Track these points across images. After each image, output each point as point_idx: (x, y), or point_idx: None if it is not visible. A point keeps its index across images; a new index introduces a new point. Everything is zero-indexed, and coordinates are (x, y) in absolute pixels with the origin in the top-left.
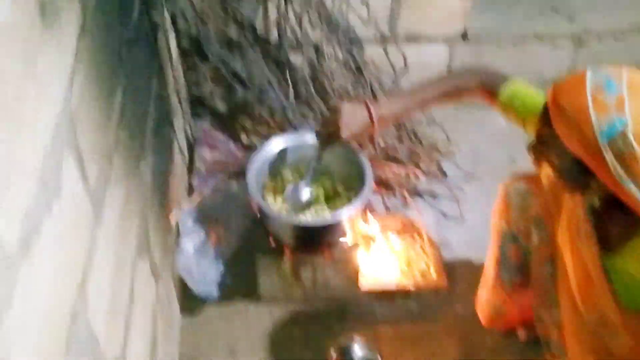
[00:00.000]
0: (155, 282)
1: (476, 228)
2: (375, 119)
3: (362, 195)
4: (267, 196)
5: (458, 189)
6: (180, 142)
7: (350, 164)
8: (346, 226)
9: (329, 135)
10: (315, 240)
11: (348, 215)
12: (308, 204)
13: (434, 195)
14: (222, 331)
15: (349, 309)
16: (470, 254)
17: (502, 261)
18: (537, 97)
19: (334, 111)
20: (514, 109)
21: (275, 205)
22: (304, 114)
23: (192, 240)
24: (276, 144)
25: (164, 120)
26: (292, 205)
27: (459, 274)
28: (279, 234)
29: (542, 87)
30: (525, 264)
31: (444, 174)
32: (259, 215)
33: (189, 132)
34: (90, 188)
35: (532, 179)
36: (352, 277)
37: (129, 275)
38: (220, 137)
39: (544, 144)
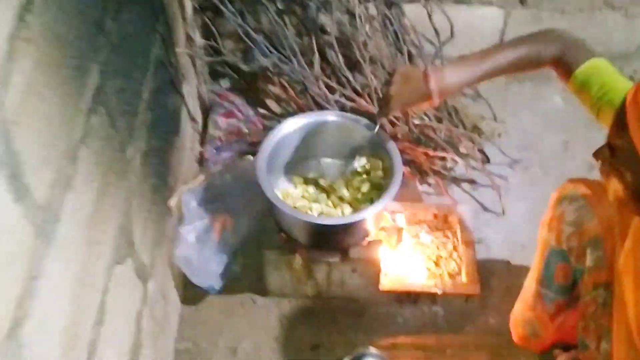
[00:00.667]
0: (142, 283)
1: (518, 225)
2: (434, 91)
3: (390, 192)
4: (280, 185)
5: (501, 178)
6: (191, 108)
7: (377, 152)
8: (369, 226)
9: (381, 107)
10: (332, 240)
11: (372, 215)
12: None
13: (472, 184)
14: (225, 326)
15: (366, 311)
16: (509, 256)
17: (545, 279)
18: (620, 85)
19: (389, 79)
20: (589, 93)
21: (292, 195)
22: (330, 87)
23: (194, 227)
24: (293, 124)
25: (167, 88)
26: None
27: (495, 280)
28: (291, 230)
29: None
30: (572, 285)
31: (486, 159)
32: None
33: (204, 95)
34: (34, 204)
35: (595, 188)
36: (372, 275)
37: (98, 290)
38: (238, 101)
39: (617, 155)
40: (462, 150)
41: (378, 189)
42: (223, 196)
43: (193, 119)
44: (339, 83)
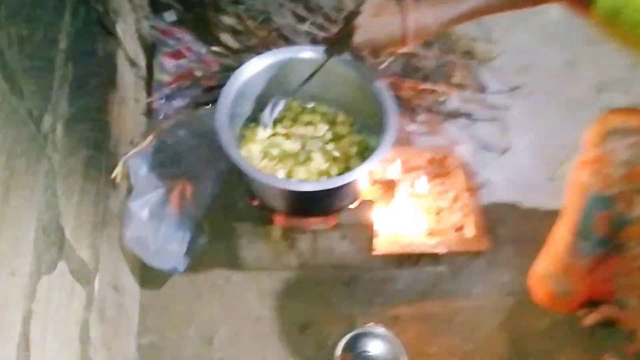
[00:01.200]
0: (84, 285)
1: (524, 163)
2: (410, 31)
3: (382, 147)
4: (249, 143)
5: (501, 109)
6: (130, 51)
7: (364, 96)
8: (359, 186)
9: (339, 39)
10: (317, 206)
11: (362, 175)
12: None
13: (468, 119)
14: (195, 312)
15: (360, 279)
16: (516, 200)
17: (583, 230)
18: None
19: (353, 12)
20: (620, 24)
21: (262, 157)
22: (298, 15)
23: (146, 200)
24: (259, 64)
25: (95, 30)
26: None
27: (503, 229)
28: (265, 196)
29: None
30: (614, 236)
31: (483, 88)
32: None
33: (145, 32)
34: None
35: None
36: (365, 240)
37: (15, 318)
38: (187, 37)
39: None
40: (455, 79)
41: (365, 142)
42: (179, 157)
43: (133, 63)
44: (308, 9)
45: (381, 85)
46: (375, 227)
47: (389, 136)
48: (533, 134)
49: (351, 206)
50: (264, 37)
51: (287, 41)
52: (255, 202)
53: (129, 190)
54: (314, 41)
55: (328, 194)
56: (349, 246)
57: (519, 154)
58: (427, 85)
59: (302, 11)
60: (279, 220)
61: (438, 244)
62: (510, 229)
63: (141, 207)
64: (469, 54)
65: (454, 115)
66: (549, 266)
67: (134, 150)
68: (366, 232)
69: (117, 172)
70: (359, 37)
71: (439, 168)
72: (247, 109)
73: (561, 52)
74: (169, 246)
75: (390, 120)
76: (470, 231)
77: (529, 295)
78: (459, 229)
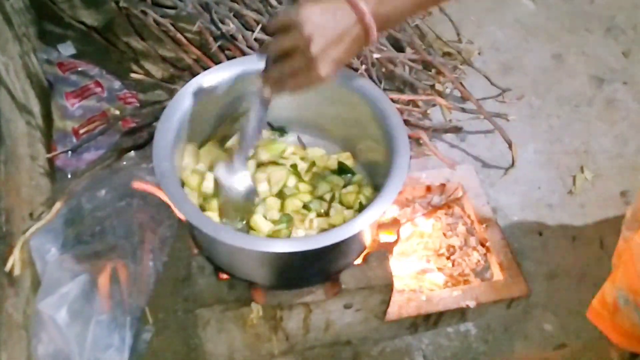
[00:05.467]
0: None
1: (537, 175)
2: (370, 20)
3: (394, 183)
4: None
5: (495, 116)
6: (17, 92)
7: (356, 116)
8: (364, 239)
9: (290, 77)
10: (310, 270)
11: (368, 224)
12: (251, 199)
13: (461, 132)
14: None
15: (366, 356)
16: (537, 223)
17: None
18: None
19: (295, 27)
20: None
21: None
22: (242, 17)
23: (61, 296)
24: (204, 85)
25: None
26: (229, 205)
27: (530, 264)
28: (236, 266)
29: None
30: None
31: (469, 94)
32: (190, 232)
33: (37, 69)
34: None
35: None
36: (375, 303)
37: None
38: (95, 71)
39: None
40: (439, 87)
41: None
42: (102, 227)
43: (24, 109)
44: (255, 10)
45: (384, 98)
46: (392, 284)
47: (403, 163)
48: (537, 142)
49: (356, 263)
50: (197, 57)
51: (228, 57)
52: (223, 275)
53: (36, 285)
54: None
55: (327, 252)
56: (353, 316)
57: (527, 168)
58: (412, 96)
59: (248, 12)
60: (259, 297)
61: (462, 297)
62: (538, 261)
63: (56, 307)
64: (449, 55)
65: (442, 130)
66: (627, 292)
67: (36, 226)
68: (379, 295)
69: (14, 260)
70: (325, 67)
71: (440, 196)
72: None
73: (545, 46)
74: (104, 357)
75: (400, 143)
76: (496, 273)
77: (583, 343)
78: (482, 271)
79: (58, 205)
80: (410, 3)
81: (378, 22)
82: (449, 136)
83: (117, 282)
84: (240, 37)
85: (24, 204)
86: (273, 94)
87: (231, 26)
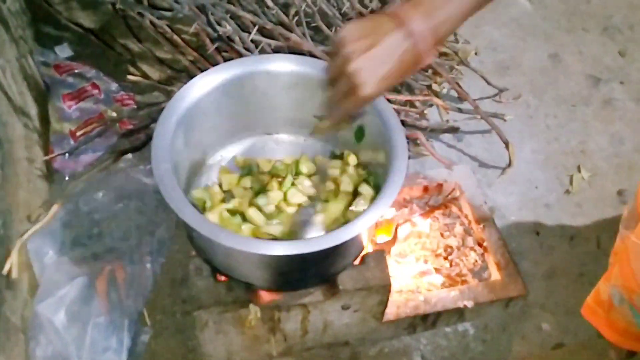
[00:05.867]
0: None
1: (535, 175)
2: (424, 43)
3: (393, 183)
4: (202, 195)
5: (492, 117)
6: (14, 95)
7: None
8: (364, 239)
9: (339, 102)
10: (309, 272)
11: (371, 223)
12: None
13: (458, 132)
14: None
15: (365, 356)
16: (535, 222)
17: None
18: None
19: (336, 50)
20: None
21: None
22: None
23: (59, 298)
24: (207, 84)
25: None
26: None
27: (528, 263)
28: (235, 268)
29: None
30: None
31: (466, 94)
32: (188, 234)
33: (34, 71)
34: None
35: None
36: (374, 304)
37: None
38: (92, 73)
39: None
40: (435, 87)
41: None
42: (100, 229)
43: (21, 112)
44: (251, 12)
45: (383, 102)
46: (390, 285)
47: (401, 165)
48: (534, 142)
49: (354, 264)
50: (195, 58)
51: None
52: (221, 277)
53: (33, 287)
54: (264, 53)
55: (326, 254)
56: (351, 317)
57: (524, 168)
58: (409, 97)
59: (244, 14)
60: (257, 299)
61: (460, 297)
62: (536, 261)
63: (54, 310)
64: (445, 55)
65: (439, 130)
66: (622, 290)
67: (34, 229)
68: (377, 295)
69: (12, 263)
70: (367, 86)
71: (437, 197)
72: (195, 146)
73: (541, 45)
74: (101, 359)
75: (398, 145)
76: (494, 273)
77: (580, 343)
78: (480, 271)
79: (56, 207)
80: (460, 11)
81: (430, 36)
82: (446, 136)
83: (115, 284)
84: (237, 38)
85: (21, 207)
86: (330, 122)
87: (228, 28)
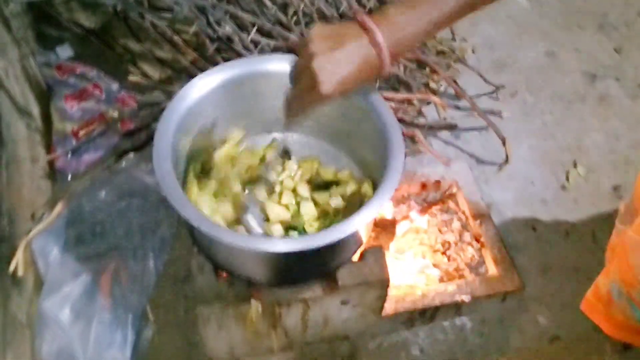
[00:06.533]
0: None
1: (529, 172)
2: (387, 51)
3: (390, 179)
4: (201, 193)
5: (489, 114)
6: (17, 95)
7: (352, 113)
8: (362, 235)
9: (298, 98)
10: (309, 268)
11: (364, 223)
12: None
13: (456, 129)
14: None
15: (364, 350)
16: (531, 218)
17: None
18: None
19: (303, 47)
20: None
21: (221, 209)
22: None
23: (64, 295)
24: (207, 84)
25: None
26: None
27: (523, 257)
28: (237, 265)
29: None
30: None
31: (463, 91)
32: (190, 232)
33: (35, 72)
34: None
35: None
36: (372, 298)
37: None
38: (91, 72)
39: None
40: (433, 85)
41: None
42: (103, 228)
43: (24, 112)
44: (250, 12)
45: (378, 99)
46: (389, 280)
47: (397, 163)
48: (530, 139)
49: (353, 259)
50: (195, 58)
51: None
52: (223, 274)
53: (39, 285)
54: (264, 53)
55: (325, 250)
56: (350, 312)
57: (521, 164)
58: (407, 95)
59: (242, 13)
60: (258, 295)
61: (457, 291)
62: (532, 256)
63: (59, 307)
64: (443, 53)
65: (437, 127)
66: (621, 285)
67: (38, 228)
68: (375, 290)
69: (17, 261)
70: (326, 86)
71: (435, 193)
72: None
73: (538, 43)
74: (106, 355)
75: (395, 142)
76: (491, 268)
77: (577, 336)
78: (476, 266)
79: (59, 206)
80: (423, 29)
81: (392, 47)
82: (443, 133)
83: (119, 281)
84: (236, 39)
85: (25, 206)
86: (288, 117)
87: (227, 28)
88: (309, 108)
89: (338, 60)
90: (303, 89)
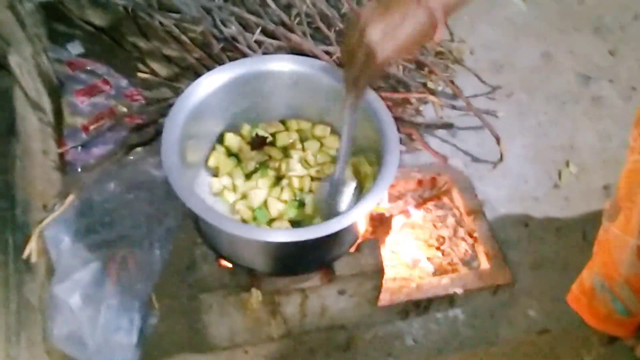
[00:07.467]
0: None
1: (522, 171)
2: (439, 11)
3: (386, 174)
4: (203, 182)
5: (485, 113)
6: (30, 90)
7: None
8: (360, 227)
9: (356, 75)
10: (307, 258)
11: (365, 213)
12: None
13: (452, 128)
14: None
15: (361, 340)
16: (523, 215)
17: None
18: None
19: (353, 24)
20: None
21: (230, 199)
22: (243, 19)
23: (75, 281)
24: (213, 83)
25: None
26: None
27: (515, 253)
28: (239, 254)
29: None
30: None
31: (460, 92)
32: (194, 223)
33: (47, 68)
34: None
35: None
36: (369, 289)
37: None
38: (101, 69)
39: None
40: (431, 85)
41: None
42: (111, 218)
43: (37, 106)
44: (255, 13)
45: (376, 99)
46: (383, 271)
47: (393, 159)
48: (524, 138)
49: (350, 251)
50: (201, 56)
51: (230, 58)
52: (225, 263)
53: (50, 271)
54: (265, 53)
55: (324, 241)
56: (347, 302)
57: (515, 162)
58: (405, 94)
59: (247, 15)
60: (259, 284)
61: (451, 284)
62: (524, 251)
63: (69, 292)
64: (441, 54)
65: (434, 126)
66: (603, 278)
67: (50, 217)
68: (371, 281)
69: (31, 248)
70: (383, 50)
71: (430, 190)
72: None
73: (534, 45)
74: (113, 338)
75: (391, 139)
76: (483, 262)
77: (565, 329)
78: (469, 260)
79: (70, 197)
80: None
81: (443, 9)
82: (440, 132)
83: (126, 269)
84: (241, 39)
85: (38, 197)
86: (354, 97)
87: (232, 29)
88: (369, 81)
89: (392, 25)
90: (359, 65)
